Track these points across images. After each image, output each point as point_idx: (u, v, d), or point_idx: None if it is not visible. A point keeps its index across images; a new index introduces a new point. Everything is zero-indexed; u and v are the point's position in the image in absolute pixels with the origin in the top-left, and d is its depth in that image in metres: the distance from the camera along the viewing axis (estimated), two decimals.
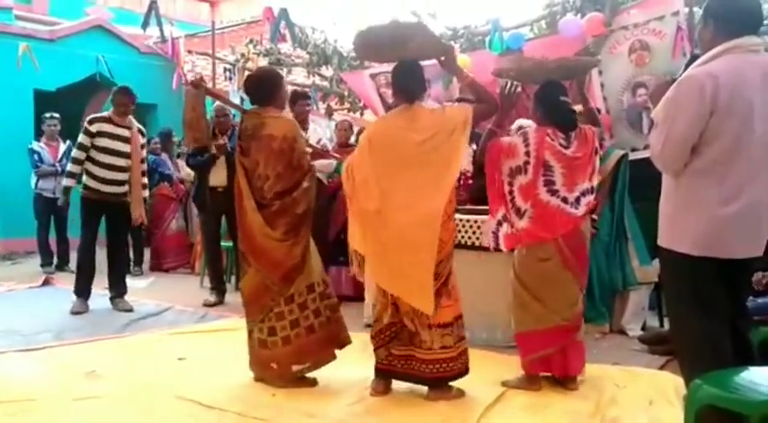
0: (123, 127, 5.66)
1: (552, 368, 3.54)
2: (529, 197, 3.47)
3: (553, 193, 3.46)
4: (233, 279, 6.57)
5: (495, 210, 3.61)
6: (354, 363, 3.74)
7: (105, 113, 5.71)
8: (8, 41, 9.15)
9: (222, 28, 9.39)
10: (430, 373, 3.35)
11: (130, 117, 5.76)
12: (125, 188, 5.67)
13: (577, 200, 3.49)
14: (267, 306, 3.60)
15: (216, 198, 5.94)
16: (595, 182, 3.60)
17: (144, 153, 5.90)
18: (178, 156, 8.89)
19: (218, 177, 5.99)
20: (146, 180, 5.92)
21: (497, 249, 3.72)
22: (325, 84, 9.17)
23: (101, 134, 5.57)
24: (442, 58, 3.54)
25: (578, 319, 3.55)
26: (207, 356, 4.27)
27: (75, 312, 5.46)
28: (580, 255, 3.56)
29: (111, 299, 5.75)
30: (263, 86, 3.75)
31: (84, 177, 5.63)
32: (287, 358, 3.61)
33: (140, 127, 5.88)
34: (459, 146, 3.32)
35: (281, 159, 3.58)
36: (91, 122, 5.62)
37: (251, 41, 9.76)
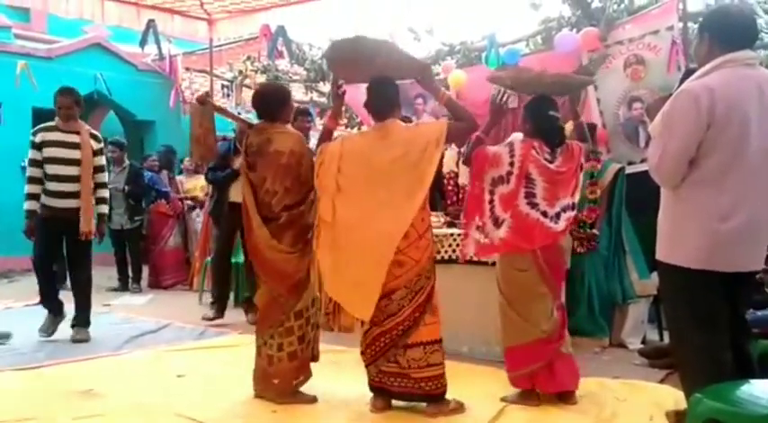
0: (71, 132, 5.17)
1: (541, 384, 3.51)
2: (509, 207, 3.47)
3: (533, 205, 3.46)
4: (231, 295, 6.53)
5: (471, 216, 3.60)
6: (354, 379, 3.73)
7: (51, 122, 5.23)
8: (7, 60, 9.20)
9: (220, 45, 9.43)
10: (424, 391, 3.35)
11: (81, 122, 5.31)
12: (79, 201, 5.14)
13: (558, 215, 3.48)
14: (277, 321, 3.61)
15: (235, 213, 5.64)
16: (577, 198, 3.60)
17: (103, 161, 5.41)
18: (180, 172, 8.91)
19: (240, 193, 5.83)
20: (105, 193, 5.42)
21: (473, 257, 3.73)
22: (323, 100, 9.22)
23: (46, 143, 5.09)
24: (419, 77, 3.55)
25: (557, 331, 3.53)
26: (206, 373, 4.25)
27: (41, 331, 5.18)
28: (556, 269, 3.57)
29: (72, 326, 5.25)
30: (271, 102, 3.78)
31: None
32: (290, 373, 3.62)
33: (94, 132, 5.38)
34: (433, 160, 3.33)
35: (288, 174, 3.61)
36: (35, 133, 5.17)
37: (248, 58, 9.82)
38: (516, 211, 3.45)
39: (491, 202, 3.53)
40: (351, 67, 3.55)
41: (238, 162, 5.67)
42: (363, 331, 3.46)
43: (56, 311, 5.28)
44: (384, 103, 3.48)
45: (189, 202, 8.43)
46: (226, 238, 6.10)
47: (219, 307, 5.99)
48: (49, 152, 5.10)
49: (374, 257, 3.29)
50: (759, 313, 3.74)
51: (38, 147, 5.10)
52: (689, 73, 3.01)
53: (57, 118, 5.19)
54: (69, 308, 5.31)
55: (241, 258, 6.26)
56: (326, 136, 3.61)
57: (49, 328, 5.21)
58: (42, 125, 5.26)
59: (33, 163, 5.13)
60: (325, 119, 3.89)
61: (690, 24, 5.40)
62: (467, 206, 3.68)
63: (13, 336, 5.15)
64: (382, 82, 3.48)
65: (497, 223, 3.49)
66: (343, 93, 3.67)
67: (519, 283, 3.52)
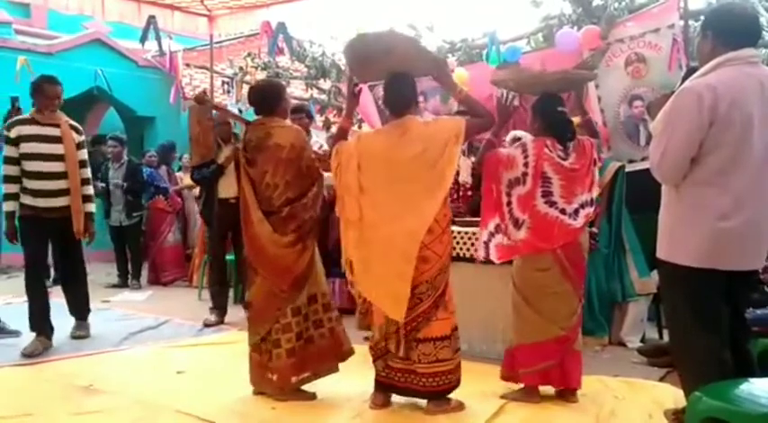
0: (50, 125, 4.70)
1: (552, 380, 3.53)
2: (527, 208, 3.48)
3: (551, 204, 3.46)
4: (231, 292, 6.52)
5: (487, 220, 3.60)
6: (354, 376, 3.73)
7: (27, 114, 4.78)
8: (7, 55, 9.17)
9: (220, 41, 9.44)
10: (430, 387, 3.34)
11: (59, 112, 4.81)
12: (66, 200, 4.73)
13: (576, 211, 3.49)
14: (273, 317, 3.59)
15: (226, 210, 5.49)
16: (595, 193, 3.61)
17: (86, 155, 4.96)
18: (179, 169, 8.91)
19: (229, 189, 5.52)
20: (90, 190, 5.00)
21: (488, 260, 3.71)
22: (324, 97, 9.22)
23: (23, 138, 4.62)
24: (435, 73, 3.55)
25: (575, 328, 3.55)
26: (206, 370, 4.26)
27: (26, 354, 4.51)
28: (578, 266, 3.56)
29: (74, 317, 5.12)
30: (267, 97, 3.78)
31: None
32: (288, 370, 3.60)
33: (74, 123, 4.91)
34: (453, 158, 3.32)
35: (289, 168, 3.60)
36: (9, 128, 4.70)
37: (249, 55, 9.81)
38: (534, 212, 3.45)
39: (509, 204, 3.53)
40: (367, 64, 3.52)
41: (223, 156, 5.55)
42: (378, 326, 3.44)
43: (45, 334, 4.76)
44: (402, 99, 3.46)
45: (186, 190, 8.44)
46: (219, 239, 5.84)
47: (220, 312, 5.76)
48: (28, 147, 4.64)
49: (400, 255, 3.27)
50: (759, 312, 3.74)
51: (14, 142, 4.64)
52: (691, 71, 3.00)
53: (33, 110, 4.74)
54: (62, 303, 5.28)
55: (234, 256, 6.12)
56: (341, 135, 3.60)
57: (35, 351, 4.59)
58: (17, 118, 4.84)
59: (9, 160, 4.67)
60: (341, 119, 3.87)
61: (691, 22, 5.40)
62: (483, 211, 3.65)
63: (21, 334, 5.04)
64: (401, 77, 3.46)
65: (517, 225, 3.50)
66: (359, 92, 3.66)
67: (538, 281, 3.50)
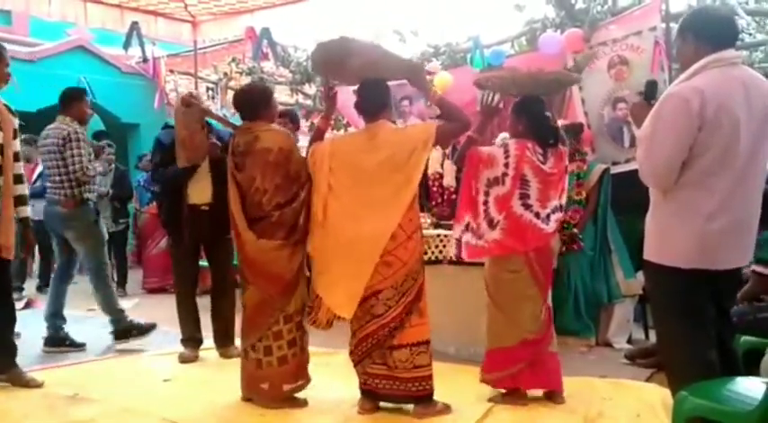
0: None
1: (524, 381, 3.52)
2: (503, 209, 3.48)
3: (527, 206, 3.48)
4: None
5: (463, 216, 3.60)
6: (344, 381, 3.73)
7: None
8: None
9: (204, 47, 9.38)
10: (410, 392, 3.35)
11: None
12: None
13: (548, 216, 3.51)
14: (266, 324, 3.57)
15: (198, 219, 4.48)
16: (564, 200, 3.63)
17: (19, 145, 3.83)
18: None
19: (201, 193, 4.50)
20: (24, 190, 3.92)
21: (459, 258, 3.73)
22: (309, 102, 9.21)
23: None
24: (409, 77, 3.56)
25: (544, 331, 3.53)
26: (193, 377, 4.23)
27: None
28: (546, 271, 3.59)
29: None
30: (253, 100, 3.78)
31: None
32: (280, 378, 3.58)
33: (6, 103, 3.76)
34: (419, 164, 3.35)
35: (278, 171, 3.59)
36: None
37: (233, 60, 9.78)
38: (510, 213, 3.46)
39: (485, 203, 3.53)
40: (338, 68, 3.54)
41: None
42: (352, 332, 3.46)
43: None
44: (374, 104, 3.48)
45: None
46: (189, 254, 4.71)
47: (194, 344, 4.74)
48: None
49: (360, 257, 3.31)
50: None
51: None
52: (650, 85, 2.97)
53: None
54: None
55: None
56: (318, 136, 3.64)
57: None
58: None
59: None
60: (318, 120, 3.90)
61: (672, 25, 5.43)
62: (458, 207, 3.67)
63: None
64: (372, 83, 3.48)
65: (492, 225, 3.50)
66: (335, 94, 3.67)
67: (509, 285, 3.51)
